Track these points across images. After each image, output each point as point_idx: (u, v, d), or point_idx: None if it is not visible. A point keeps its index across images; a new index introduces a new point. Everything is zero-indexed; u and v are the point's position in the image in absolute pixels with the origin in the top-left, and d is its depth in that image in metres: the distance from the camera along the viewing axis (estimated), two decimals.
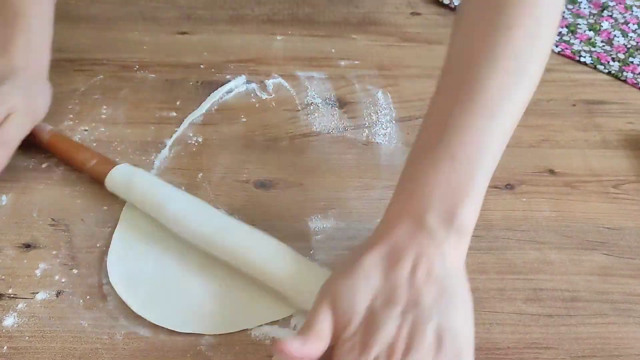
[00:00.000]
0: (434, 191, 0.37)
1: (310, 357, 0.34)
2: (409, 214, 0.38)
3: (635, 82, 0.65)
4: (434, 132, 0.40)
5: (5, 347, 0.41)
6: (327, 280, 0.38)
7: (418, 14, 0.76)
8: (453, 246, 0.37)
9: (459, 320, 0.35)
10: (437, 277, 0.35)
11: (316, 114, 0.62)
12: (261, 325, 0.43)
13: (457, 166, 0.38)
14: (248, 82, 0.65)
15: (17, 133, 0.51)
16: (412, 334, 0.34)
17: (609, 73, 0.67)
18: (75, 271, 0.46)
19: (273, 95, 0.64)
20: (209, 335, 0.42)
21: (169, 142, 0.57)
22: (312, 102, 0.63)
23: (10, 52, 0.54)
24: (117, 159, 0.55)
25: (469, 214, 0.37)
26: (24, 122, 0.52)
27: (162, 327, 0.43)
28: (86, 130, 0.58)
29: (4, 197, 0.52)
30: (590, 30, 0.73)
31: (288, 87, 0.65)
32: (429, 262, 0.36)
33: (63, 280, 0.46)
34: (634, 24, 0.73)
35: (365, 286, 0.36)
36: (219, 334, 0.42)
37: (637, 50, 0.69)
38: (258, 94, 0.64)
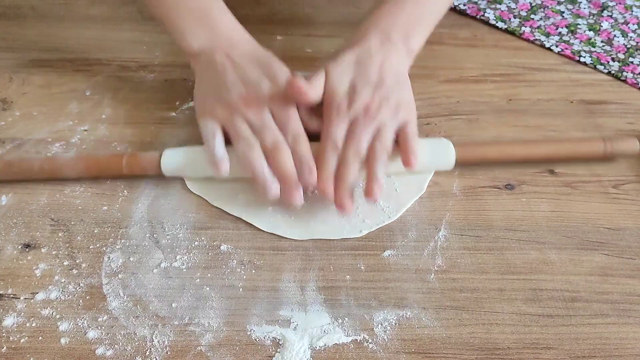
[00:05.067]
0: (398, 18, 0.55)
1: (312, 96, 0.50)
2: (379, 30, 0.54)
3: (635, 82, 0.65)
4: None
5: (5, 347, 0.41)
6: (324, 64, 0.53)
7: None
8: (405, 57, 0.54)
9: (409, 96, 0.53)
10: (396, 71, 0.53)
11: None
12: (261, 324, 0.43)
13: (414, 7, 0.56)
14: None
15: None
16: (381, 100, 0.50)
17: (609, 73, 0.67)
18: (75, 271, 0.46)
19: None
20: (209, 335, 0.42)
21: None
22: None
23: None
24: None
25: (419, 40, 0.56)
26: None
27: (163, 328, 0.43)
28: (86, 130, 0.58)
29: (4, 197, 0.52)
30: (590, 30, 0.73)
31: None
32: (391, 61, 0.52)
33: (63, 280, 0.46)
34: (634, 24, 0.73)
35: (347, 68, 0.52)
36: (220, 334, 0.42)
37: (637, 50, 0.69)
38: None
